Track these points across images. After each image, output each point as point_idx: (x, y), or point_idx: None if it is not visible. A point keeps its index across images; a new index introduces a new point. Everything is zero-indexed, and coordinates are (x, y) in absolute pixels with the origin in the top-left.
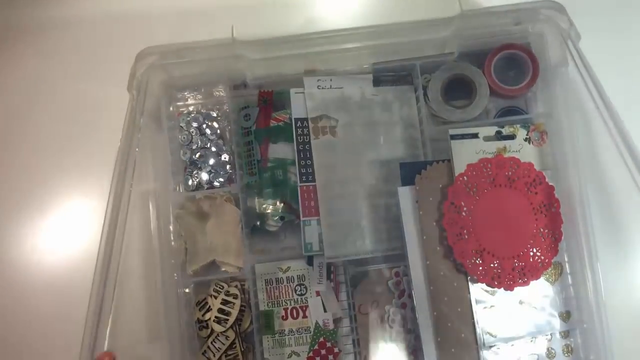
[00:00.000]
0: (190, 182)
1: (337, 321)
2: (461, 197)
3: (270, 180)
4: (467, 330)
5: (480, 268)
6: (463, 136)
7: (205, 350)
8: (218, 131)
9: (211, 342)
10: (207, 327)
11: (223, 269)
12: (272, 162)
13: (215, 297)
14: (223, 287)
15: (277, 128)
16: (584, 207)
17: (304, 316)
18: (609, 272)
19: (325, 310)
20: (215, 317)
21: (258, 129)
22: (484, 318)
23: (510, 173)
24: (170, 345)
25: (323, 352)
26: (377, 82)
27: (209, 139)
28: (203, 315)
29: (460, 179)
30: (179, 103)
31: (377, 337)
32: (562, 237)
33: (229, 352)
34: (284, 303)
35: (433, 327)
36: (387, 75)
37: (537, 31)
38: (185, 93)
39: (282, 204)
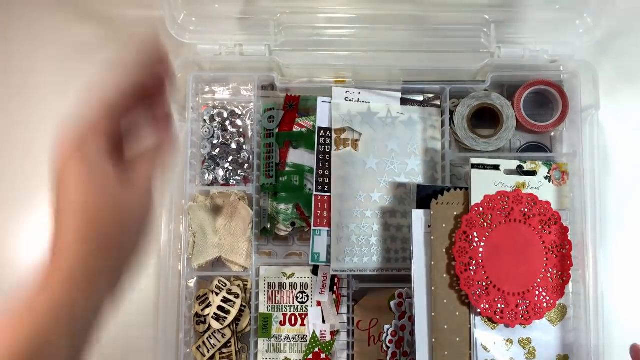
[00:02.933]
0: (206, 177)
1: (334, 334)
2: (474, 227)
3: (286, 185)
4: None
5: (485, 301)
6: (484, 166)
7: (200, 345)
8: (240, 129)
9: (207, 338)
10: (204, 322)
11: (228, 267)
12: (290, 167)
13: (217, 294)
14: (225, 284)
15: (300, 134)
16: (596, 253)
17: (302, 324)
18: (614, 322)
19: (324, 322)
20: (215, 313)
21: (280, 132)
22: (482, 351)
23: (526, 209)
24: (165, 335)
25: None
26: (404, 101)
27: (231, 136)
28: (202, 310)
29: (476, 209)
30: (205, 96)
31: (372, 356)
32: (570, 280)
33: (224, 351)
34: (283, 308)
35: (429, 353)
36: (415, 95)
37: (572, 70)
38: (213, 87)
39: (294, 210)
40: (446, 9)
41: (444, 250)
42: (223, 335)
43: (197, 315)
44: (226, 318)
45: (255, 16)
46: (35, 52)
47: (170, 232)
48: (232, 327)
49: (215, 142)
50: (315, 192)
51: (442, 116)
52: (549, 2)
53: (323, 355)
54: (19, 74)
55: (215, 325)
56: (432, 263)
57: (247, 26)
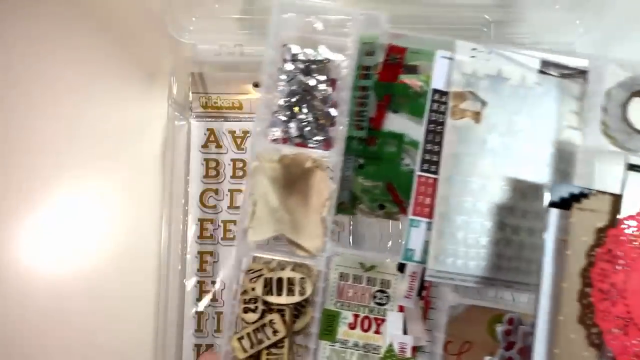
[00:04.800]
0: (275, 131)
1: (416, 350)
2: (622, 245)
3: (377, 156)
4: None
5: (621, 342)
6: None
7: (243, 337)
8: (330, 77)
9: (254, 330)
10: (254, 310)
11: (291, 250)
12: (385, 135)
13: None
14: (285, 268)
15: (405, 89)
16: None
17: (377, 331)
18: None
19: (405, 332)
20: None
21: (380, 82)
22: None
23: None
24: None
25: None
26: (545, 67)
27: (317, 83)
28: (253, 289)
29: (627, 222)
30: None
31: None
32: None
33: (274, 351)
34: (355, 308)
35: None
36: (560, 64)
37: None
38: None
39: (385, 189)
40: (446, 9)
41: (580, 270)
42: (275, 332)
43: (245, 298)
44: (297, 292)
45: (256, 16)
46: (35, 52)
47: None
48: (286, 322)
49: (294, 87)
50: (420, 171)
51: (591, 97)
52: (549, 2)
53: None
54: (19, 73)
55: (275, 300)
56: (564, 285)
57: (248, 26)
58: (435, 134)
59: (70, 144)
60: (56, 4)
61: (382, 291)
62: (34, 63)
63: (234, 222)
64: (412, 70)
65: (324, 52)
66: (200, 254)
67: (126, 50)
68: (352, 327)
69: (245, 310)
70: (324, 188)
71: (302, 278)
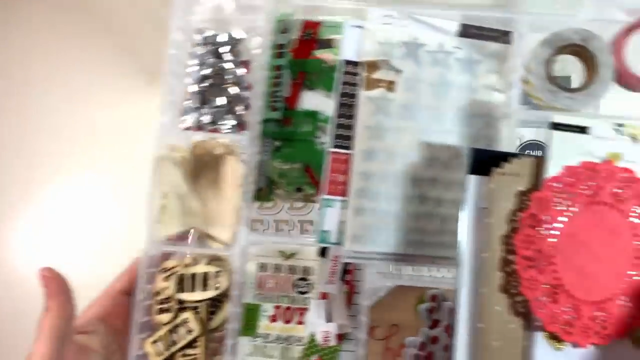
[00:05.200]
0: (187, 119)
1: (342, 338)
2: (547, 208)
3: (293, 137)
4: None
5: (550, 310)
6: (569, 127)
7: (157, 340)
8: (242, 59)
9: (168, 331)
10: (169, 310)
11: (206, 243)
12: (300, 115)
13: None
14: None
15: (318, 65)
16: None
17: (299, 321)
18: None
19: (329, 320)
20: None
21: (296, 59)
22: None
23: (619, 189)
24: None
25: None
26: (464, 32)
27: (228, 67)
28: (166, 287)
29: (552, 184)
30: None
31: None
32: None
33: (189, 352)
34: (276, 299)
35: None
36: (478, 26)
37: None
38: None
39: (303, 171)
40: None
41: (501, 237)
42: (189, 331)
43: (158, 299)
44: (212, 286)
45: None
46: (35, 53)
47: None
48: (201, 320)
49: (206, 72)
50: (332, 147)
51: (512, 59)
52: (549, 2)
53: None
54: (18, 74)
55: (188, 297)
56: (485, 255)
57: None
58: (348, 107)
59: (70, 144)
60: (56, 6)
61: (303, 279)
62: (33, 64)
63: None
64: (327, 44)
65: (236, 34)
66: None
67: (126, 50)
68: (273, 319)
69: (160, 311)
70: (236, 175)
71: (218, 272)
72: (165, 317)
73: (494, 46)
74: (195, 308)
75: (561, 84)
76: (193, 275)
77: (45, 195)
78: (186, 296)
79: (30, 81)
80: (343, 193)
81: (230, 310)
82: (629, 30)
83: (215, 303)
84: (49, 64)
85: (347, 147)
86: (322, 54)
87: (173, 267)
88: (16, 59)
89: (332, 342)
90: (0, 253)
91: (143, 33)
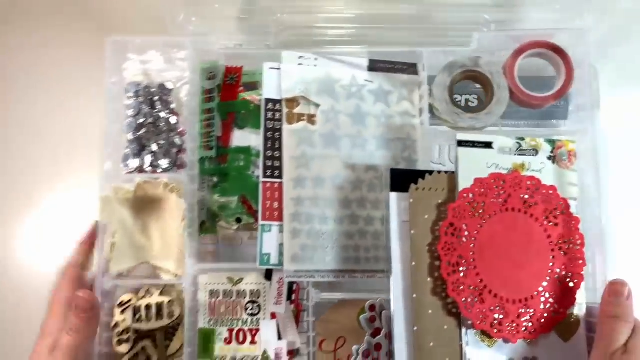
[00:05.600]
0: (129, 163)
1: (293, 353)
2: (464, 218)
3: (229, 172)
4: None
5: (478, 310)
6: (474, 144)
7: None
8: (173, 106)
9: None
10: (127, 341)
11: (158, 276)
12: (234, 151)
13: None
14: (153, 294)
15: (245, 105)
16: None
17: (253, 341)
18: None
19: (280, 338)
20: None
21: (223, 101)
22: None
23: (527, 195)
24: None
25: None
26: (374, 66)
27: (160, 114)
28: (123, 320)
29: (465, 195)
30: (130, 68)
31: None
32: (583, 284)
33: None
34: (229, 323)
35: None
36: (387, 61)
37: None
38: (140, 56)
39: (240, 203)
40: (446, 9)
41: (427, 247)
42: (148, 358)
43: (117, 331)
44: (166, 315)
45: (255, 16)
46: (35, 52)
47: None
48: (159, 347)
49: (141, 121)
50: (263, 177)
51: (420, 88)
52: (549, 2)
53: None
54: (18, 75)
55: (144, 327)
56: (413, 264)
57: (247, 26)
58: (273, 141)
59: (70, 144)
60: (55, 5)
61: (253, 302)
62: (33, 65)
63: None
64: (252, 86)
65: (167, 84)
66: None
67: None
68: (228, 342)
69: (119, 343)
70: (179, 210)
71: (170, 301)
72: (124, 347)
73: (403, 77)
74: (152, 337)
75: (461, 105)
76: (148, 306)
77: (46, 195)
78: (142, 326)
79: (32, 84)
80: (279, 218)
81: (186, 336)
82: (517, 54)
83: (171, 330)
84: (49, 66)
85: (277, 177)
86: (249, 95)
87: (129, 300)
88: (16, 61)
89: (284, 358)
90: (1, 253)
91: (143, 32)
